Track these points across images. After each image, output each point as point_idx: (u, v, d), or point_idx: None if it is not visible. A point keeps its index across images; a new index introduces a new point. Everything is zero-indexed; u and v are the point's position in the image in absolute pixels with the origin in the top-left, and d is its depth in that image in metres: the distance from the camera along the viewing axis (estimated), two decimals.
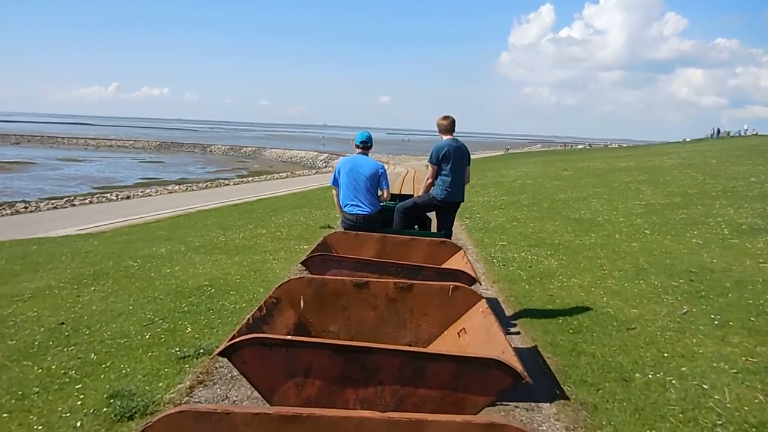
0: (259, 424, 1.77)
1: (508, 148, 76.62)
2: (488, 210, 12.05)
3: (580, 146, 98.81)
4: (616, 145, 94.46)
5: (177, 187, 23.74)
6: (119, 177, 38.87)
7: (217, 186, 24.66)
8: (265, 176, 34.31)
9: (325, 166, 54.54)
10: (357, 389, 2.23)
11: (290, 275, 5.18)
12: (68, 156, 53.59)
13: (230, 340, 2.21)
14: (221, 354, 2.20)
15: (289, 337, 2.36)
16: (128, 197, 19.41)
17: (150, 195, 20.06)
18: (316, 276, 3.27)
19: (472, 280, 3.45)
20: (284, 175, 34.39)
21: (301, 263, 3.69)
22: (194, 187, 23.98)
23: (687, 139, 70.61)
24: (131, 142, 77.10)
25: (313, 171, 40.23)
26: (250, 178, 31.26)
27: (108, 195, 19.95)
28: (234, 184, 26.04)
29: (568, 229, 9.19)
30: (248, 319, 2.52)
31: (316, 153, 65.39)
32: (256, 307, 2.67)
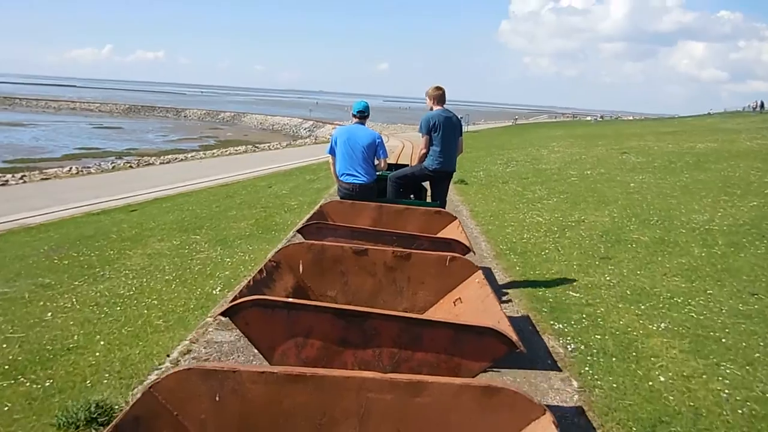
0: (265, 382, 1.82)
1: (516, 118, 69.36)
2: (582, 263, 6.08)
3: (588, 118, 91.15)
4: (631, 117, 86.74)
5: (66, 170, 16.28)
6: (52, 147, 31.75)
7: (129, 168, 17.55)
8: (215, 151, 26.57)
9: (309, 135, 47.36)
10: (355, 351, 2.31)
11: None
12: (13, 120, 46.59)
13: (232, 301, 2.28)
14: (223, 314, 2.27)
15: (290, 299, 2.45)
16: None
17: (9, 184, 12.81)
18: (315, 242, 3.32)
19: (467, 249, 3.49)
20: (241, 149, 26.92)
21: (297, 231, 3.77)
22: (93, 170, 16.84)
23: (711, 112, 63.74)
24: (97, 104, 70.30)
25: (285, 143, 32.63)
26: (192, 155, 23.64)
27: None
28: (161, 163, 18.92)
29: None
30: (249, 281, 2.59)
31: (300, 120, 58.25)
32: (257, 270, 2.75)
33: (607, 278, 5.33)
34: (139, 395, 1.75)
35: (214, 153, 27.23)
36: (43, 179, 15.72)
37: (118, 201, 11.20)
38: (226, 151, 28.59)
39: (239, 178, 15.44)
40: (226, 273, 5.37)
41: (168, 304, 4.50)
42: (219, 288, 4.87)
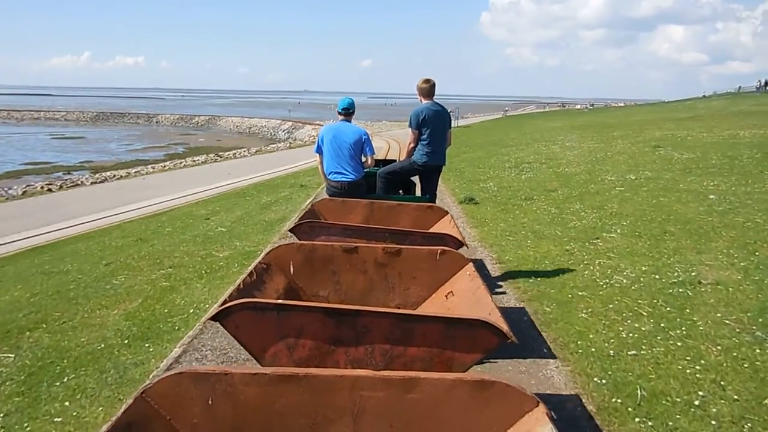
0: (257, 383, 1.82)
1: (506, 110, 66.35)
2: None
3: (578, 106, 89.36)
4: (622, 104, 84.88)
5: None
6: None
7: (48, 191, 14.06)
8: (168, 164, 23.07)
9: (287, 138, 43.74)
10: (347, 350, 2.33)
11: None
12: None
13: (221, 305, 2.30)
14: (213, 318, 2.30)
15: (280, 301, 2.46)
16: None
17: None
18: (305, 242, 3.35)
19: (459, 244, 3.53)
20: (200, 160, 23.42)
21: (289, 231, 3.79)
22: None
23: (706, 94, 62.23)
24: (63, 113, 65.70)
25: (254, 150, 29.23)
26: (136, 170, 20.07)
27: None
28: (93, 183, 15.64)
29: None
30: (239, 284, 2.60)
31: (279, 121, 54.94)
32: (246, 273, 2.77)
33: None
34: (130, 401, 1.75)
35: (164, 166, 23.72)
36: None
37: None
38: (181, 162, 25.10)
39: (179, 202, 12.18)
40: None
41: None
42: None
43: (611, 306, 4.49)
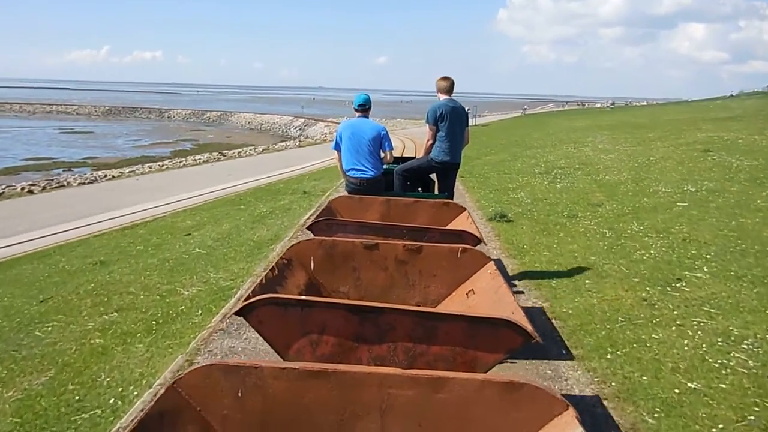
0: (286, 378, 1.82)
1: (525, 108, 64.56)
2: None
3: (598, 105, 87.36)
4: (645, 103, 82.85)
5: None
6: None
7: (29, 194, 13.03)
8: (167, 163, 21.82)
9: (299, 135, 42.49)
10: (370, 347, 2.31)
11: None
12: None
13: (245, 300, 2.31)
14: (237, 314, 2.29)
15: (303, 297, 2.47)
16: None
17: None
18: (326, 238, 3.36)
19: (477, 240, 3.53)
20: (201, 159, 22.10)
21: (307, 228, 3.82)
22: None
23: (734, 93, 60.09)
24: (75, 107, 64.92)
25: (261, 148, 27.85)
26: (130, 170, 18.73)
27: None
28: (80, 184, 14.43)
29: None
30: (261, 280, 2.60)
31: (291, 118, 53.80)
32: (269, 268, 2.79)
33: None
34: (162, 390, 1.76)
35: (162, 166, 22.52)
36: None
37: None
38: (180, 162, 23.63)
39: (166, 209, 10.83)
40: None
41: None
42: None
43: (751, 417, 2.96)
